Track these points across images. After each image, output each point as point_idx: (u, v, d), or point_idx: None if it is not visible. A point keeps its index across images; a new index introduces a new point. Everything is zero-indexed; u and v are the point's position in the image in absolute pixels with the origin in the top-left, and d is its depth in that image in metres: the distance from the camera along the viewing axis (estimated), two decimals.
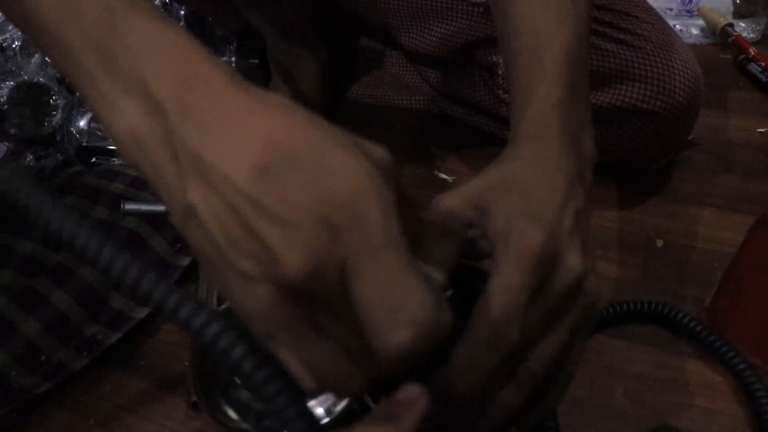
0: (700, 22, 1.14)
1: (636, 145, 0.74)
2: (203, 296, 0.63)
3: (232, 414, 0.53)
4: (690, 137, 0.83)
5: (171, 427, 0.56)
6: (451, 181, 0.82)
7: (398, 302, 0.26)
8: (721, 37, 1.08)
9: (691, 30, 1.13)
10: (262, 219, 0.26)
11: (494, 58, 0.78)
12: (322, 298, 0.27)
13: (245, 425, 0.53)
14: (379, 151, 0.29)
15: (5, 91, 0.83)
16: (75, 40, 0.30)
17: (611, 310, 0.61)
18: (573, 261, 0.37)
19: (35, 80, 0.85)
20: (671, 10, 1.16)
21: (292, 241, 0.26)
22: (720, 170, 0.82)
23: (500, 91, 0.79)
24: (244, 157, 0.27)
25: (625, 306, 0.61)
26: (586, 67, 0.48)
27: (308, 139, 0.27)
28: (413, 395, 0.30)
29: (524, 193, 0.38)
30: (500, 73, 0.78)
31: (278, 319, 0.27)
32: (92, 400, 0.59)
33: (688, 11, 1.17)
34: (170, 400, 0.58)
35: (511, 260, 0.36)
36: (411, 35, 0.85)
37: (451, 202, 0.39)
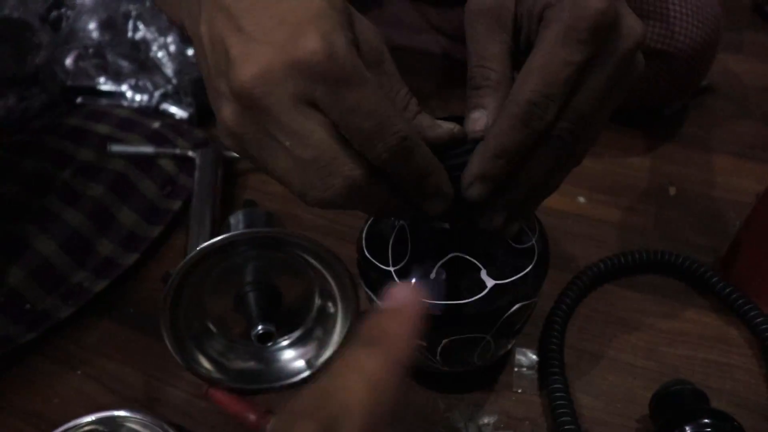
0: None
1: (648, 85, 0.70)
2: (195, 241, 0.60)
3: (206, 364, 0.51)
4: (705, 82, 0.79)
5: (161, 378, 0.54)
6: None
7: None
8: None
9: None
10: (234, 35, 0.31)
11: None
12: (276, 117, 0.31)
13: (218, 376, 0.51)
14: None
15: None
16: None
17: (622, 259, 0.59)
18: (633, 23, 0.34)
19: (15, 16, 0.80)
20: None
21: (249, 52, 0.31)
22: (736, 116, 0.78)
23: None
24: None
25: (636, 255, 0.59)
26: None
27: None
28: (403, 304, 0.27)
29: None
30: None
31: (240, 132, 0.33)
32: (79, 351, 0.57)
33: None
34: (160, 350, 0.55)
35: (563, 28, 0.33)
36: None
37: None
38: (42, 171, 0.67)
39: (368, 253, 0.45)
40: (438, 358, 0.45)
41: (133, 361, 0.55)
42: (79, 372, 0.55)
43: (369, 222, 0.47)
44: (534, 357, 0.54)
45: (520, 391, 0.52)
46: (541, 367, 0.53)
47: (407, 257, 0.43)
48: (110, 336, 0.58)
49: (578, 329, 0.56)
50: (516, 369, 0.53)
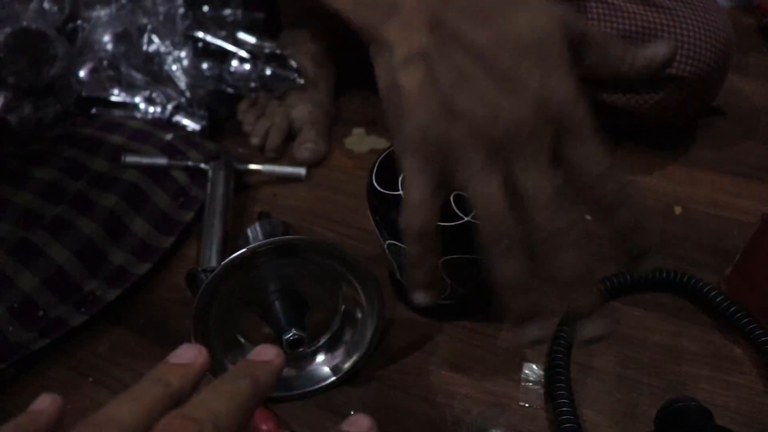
0: None
1: (661, 109, 0.71)
2: (206, 252, 0.61)
3: None
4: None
5: None
6: None
7: None
8: (744, 0, 1.05)
9: None
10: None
11: None
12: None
13: None
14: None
15: (1, 37, 0.80)
16: None
17: (628, 277, 0.59)
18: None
19: (33, 27, 0.82)
20: None
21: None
22: (742, 137, 0.79)
23: None
24: None
25: (642, 273, 0.59)
26: None
27: None
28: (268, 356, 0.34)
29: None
30: None
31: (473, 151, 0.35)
32: (91, 357, 0.57)
33: None
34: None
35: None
36: None
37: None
38: (56, 180, 0.68)
39: (376, 182, 0.51)
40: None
41: (144, 370, 0.56)
42: (90, 379, 0.56)
43: (383, 155, 0.54)
44: (541, 372, 0.54)
45: (526, 405, 0.52)
46: (548, 381, 0.53)
47: None
48: (122, 344, 0.58)
49: (584, 345, 0.56)
50: (523, 383, 0.54)
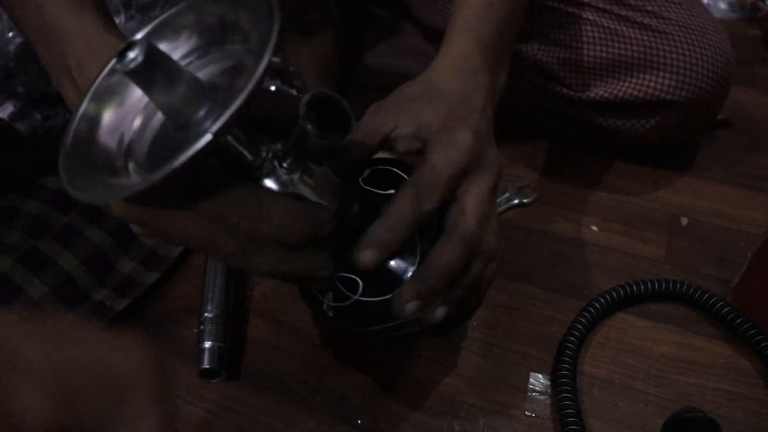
0: None
1: (659, 132, 0.71)
2: (209, 286, 0.61)
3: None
4: (720, 116, 0.80)
5: (180, 395, 0.55)
6: None
7: None
8: (750, 11, 1.05)
9: (719, 4, 1.10)
10: None
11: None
12: None
13: None
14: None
15: (12, 48, 0.81)
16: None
17: (635, 288, 0.60)
18: (494, 157, 0.46)
19: None
20: None
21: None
22: (748, 148, 0.79)
23: (522, 81, 0.76)
24: None
25: (648, 284, 0.60)
26: (518, 19, 0.55)
27: None
28: None
29: (450, 104, 0.46)
30: (518, 59, 0.75)
31: None
32: None
33: None
34: (180, 368, 0.57)
35: (445, 155, 0.43)
36: (426, 10, 0.82)
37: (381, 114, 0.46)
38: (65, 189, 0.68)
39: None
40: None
41: None
42: None
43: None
44: (547, 382, 0.55)
45: (533, 415, 0.53)
46: (554, 391, 0.53)
47: None
48: None
49: (591, 356, 0.56)
50: (529, 393, 0.54)
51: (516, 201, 0.71)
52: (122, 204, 0.35)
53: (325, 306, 0.45)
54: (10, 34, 0.84)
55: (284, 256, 0.37)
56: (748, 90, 0.90)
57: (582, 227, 0.68)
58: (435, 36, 0.87)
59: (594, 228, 0.68)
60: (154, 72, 0.32)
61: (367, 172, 0.47)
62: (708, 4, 1.08)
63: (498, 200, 0.70)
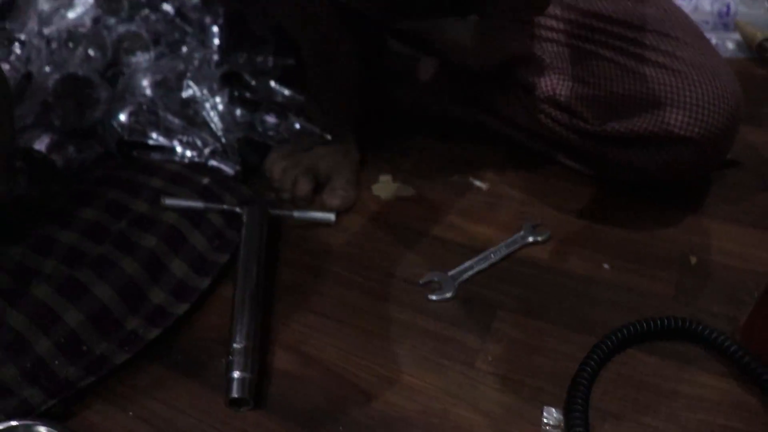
0: (737, 36, 1.13)
1: (670, 168, 0.74)
2: (241, 294, 0.64)
3: None
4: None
5: (209, 422, 0.57)
6: (485, 188, 0.83)
7: None
8: (757, 51, 1.08)
9: (727, 44, 1.13)
10: None
11: (532, 79, 0.78)
12: None
13: None
14: None
15: (51, 83, 0.85)
16: None
17: (644, 325, 0.62)
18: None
19: (80, 74, 0.86)
20: (707, 23, 1.16)
21: None
22: (757, 188, 0.81)
23: (540, 114, 0.79)
24: None
25: (658, 322, 0.62)
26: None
27: None
28: None
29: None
30: (537, 93, 0.78)
31: None
32: (131, 393, 0.60)
33: (725, 25, 1.16)
34: (209, 396, 0.59)
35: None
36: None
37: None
38: (100, 220, 0.72)
39: None
40: None
41: (183, 406, 0.59)
42: (130, 413, 0.59)
43: None
44: (560, 416, 0.57)
45: None
46: (567, 425, 0.55)
47: None
48: (160, 380, 0.61)
49: (602, 391, 0.59)
50: (543, 427, 0.56)
51: (530, 239, 0.73)
52: None
53: None
54: (48, 69, 0.88)
55: None
56: (756, 129, 0.92)
57: (594, 265, 0.71)
58: (455, 69, 0.90)
59: (606, 266, 0.71)
60: None
61: None
62: (716, 44, 1.11)
63: (513, 238, 0.75)
